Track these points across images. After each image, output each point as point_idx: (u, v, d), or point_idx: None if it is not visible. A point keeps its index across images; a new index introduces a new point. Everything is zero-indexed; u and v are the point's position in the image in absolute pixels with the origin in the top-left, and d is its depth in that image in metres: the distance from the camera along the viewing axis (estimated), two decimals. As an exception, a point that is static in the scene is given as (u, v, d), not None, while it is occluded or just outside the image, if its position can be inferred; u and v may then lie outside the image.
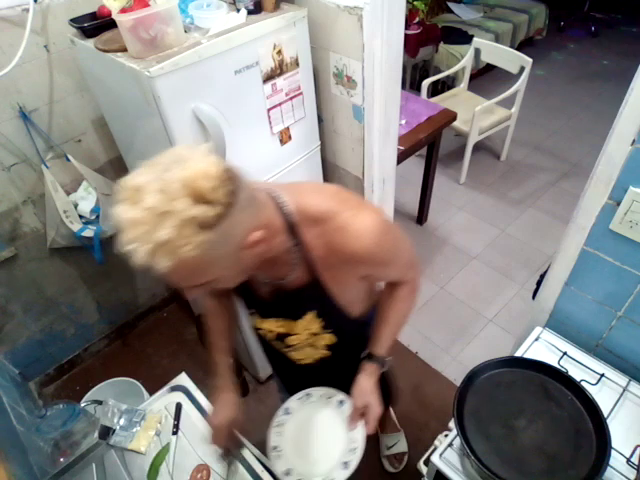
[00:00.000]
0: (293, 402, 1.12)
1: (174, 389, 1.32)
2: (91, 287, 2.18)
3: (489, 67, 3.93)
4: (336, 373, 1.13)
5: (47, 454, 1.20)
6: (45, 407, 1.24)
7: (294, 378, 1.31)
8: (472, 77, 3.50)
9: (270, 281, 0.92)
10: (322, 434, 1.07)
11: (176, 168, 0.61)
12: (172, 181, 0.59)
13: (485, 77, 4.21)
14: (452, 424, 1.07)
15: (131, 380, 1.87)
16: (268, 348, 1.17)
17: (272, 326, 1.02)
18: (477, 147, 3.21)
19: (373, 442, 1.93)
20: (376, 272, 0.93)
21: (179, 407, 1.27)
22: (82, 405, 1.54)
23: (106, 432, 1.19)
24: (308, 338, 1.02)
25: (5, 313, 1.93)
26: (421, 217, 2.98)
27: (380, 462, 1.90)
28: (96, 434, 1.19)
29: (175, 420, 1.24)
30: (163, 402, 1.29)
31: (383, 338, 1.05)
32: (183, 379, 1.34)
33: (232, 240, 0.66)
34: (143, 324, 2.49)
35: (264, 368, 2.09)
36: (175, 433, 1.21)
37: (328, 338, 1.05)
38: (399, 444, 1.91)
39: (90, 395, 1.85)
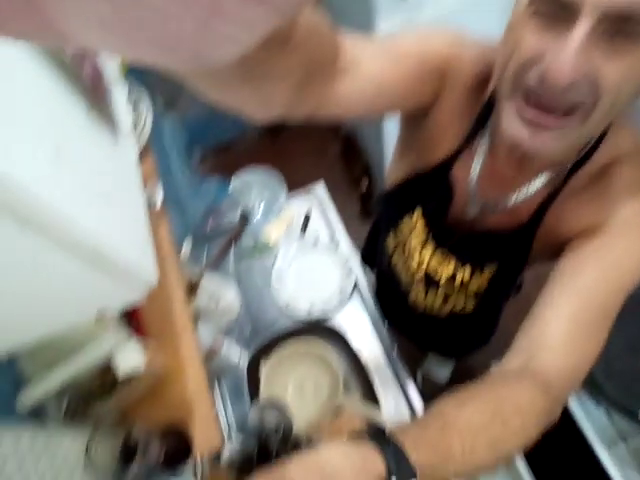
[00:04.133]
0: None
1: (310, 192, 1.35)
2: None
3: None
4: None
5: (198, 220, 1.37)
6: (202, 177, 1.36)
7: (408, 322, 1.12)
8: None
9: (485, 201, 0.67)
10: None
11: None
12: None
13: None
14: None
15: (275, 173, 1.95)
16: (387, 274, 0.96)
17: (436, 262, 0.76)
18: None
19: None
20: (595, 250, 0.56)
21: (307, 218, 1.31)
22: (230, 186, 1.68)
23: (245, 218, 1.29)
24: (455, 288, 0.78)
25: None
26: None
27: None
28: (238, 212, 1.31)
29: (303, 224, 1.29)
30: (299, 203, 1.34)
31: (437, 444, 0.45)
32: (320, 187, 1.36)
33: None
34: (291, 130, 2.49)
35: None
36: (303, 231, 1.27)
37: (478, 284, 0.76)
38: None
39: (236, 180, 1.99)
